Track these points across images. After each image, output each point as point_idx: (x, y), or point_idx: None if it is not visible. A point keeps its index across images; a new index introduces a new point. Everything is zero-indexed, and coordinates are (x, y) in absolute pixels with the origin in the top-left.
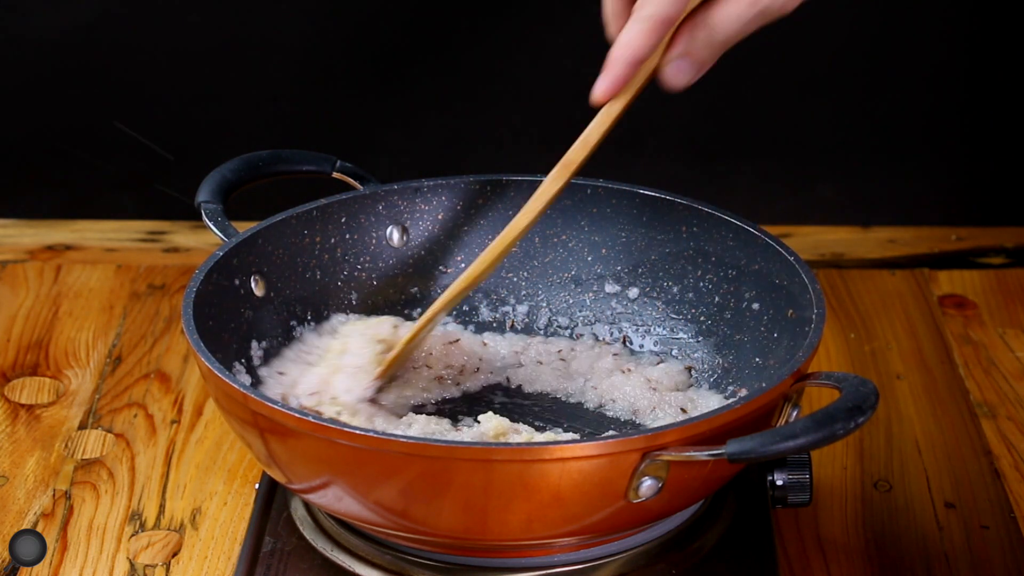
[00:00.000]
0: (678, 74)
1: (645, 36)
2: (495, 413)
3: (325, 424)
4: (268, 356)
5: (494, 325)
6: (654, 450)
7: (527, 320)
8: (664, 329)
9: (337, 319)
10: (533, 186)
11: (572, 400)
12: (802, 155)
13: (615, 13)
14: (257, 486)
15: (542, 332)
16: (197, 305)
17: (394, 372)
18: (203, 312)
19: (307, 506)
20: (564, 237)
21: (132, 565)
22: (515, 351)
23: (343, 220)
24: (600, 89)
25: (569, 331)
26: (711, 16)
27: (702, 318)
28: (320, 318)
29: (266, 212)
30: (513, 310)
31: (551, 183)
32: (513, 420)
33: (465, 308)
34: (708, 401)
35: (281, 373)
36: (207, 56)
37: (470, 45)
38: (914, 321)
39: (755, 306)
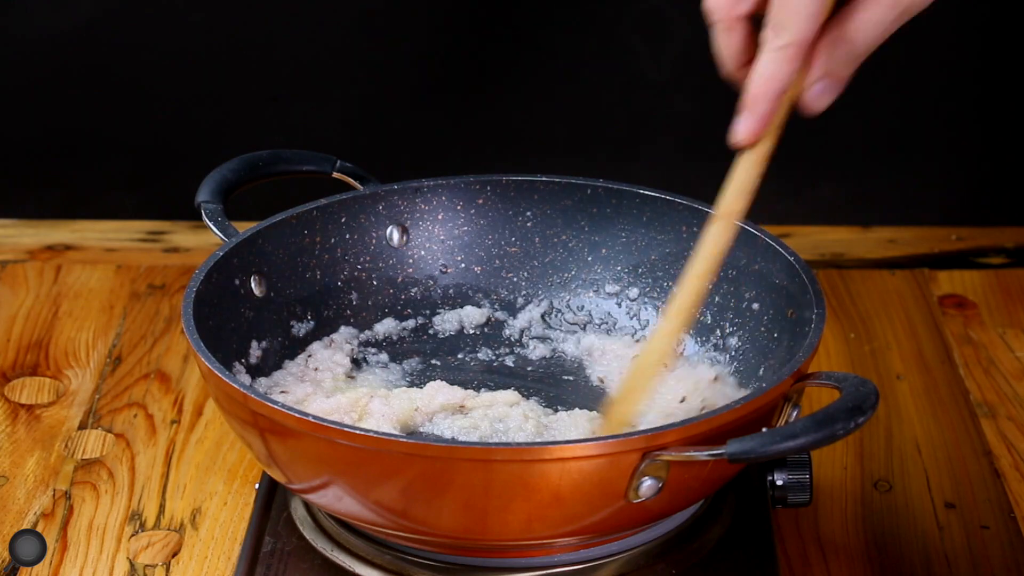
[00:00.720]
0: (821, 97)
1: (786, 65)
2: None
3: (325, 424)
4: (267, 359)
5: (494, 325)
6: (654, 450)
7: (527, 320)
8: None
9: (346, 332)
10: (533, 186)
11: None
12: (802, 155)
13: (730, 48)
14: (257, 486)
15: (542, 332)
16: (197, 305)
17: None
18: (203, 312)
19: (307, 506)
20: (564, 237)
21: (132, 565)
22: (515, 350)
23: (343, 220)
24: (747, 130)
25: (569, 331)
26: (849, 28)
27: (702, 318)
28: (320, 319)
29: (266, 212)
30: (513, 310)
31: (715, 239)
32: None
33: (464, 307)
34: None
35: (284, 392)
36: (207, 56)
37: (470, 45)
38: (914, 321)
39: (755, 306)
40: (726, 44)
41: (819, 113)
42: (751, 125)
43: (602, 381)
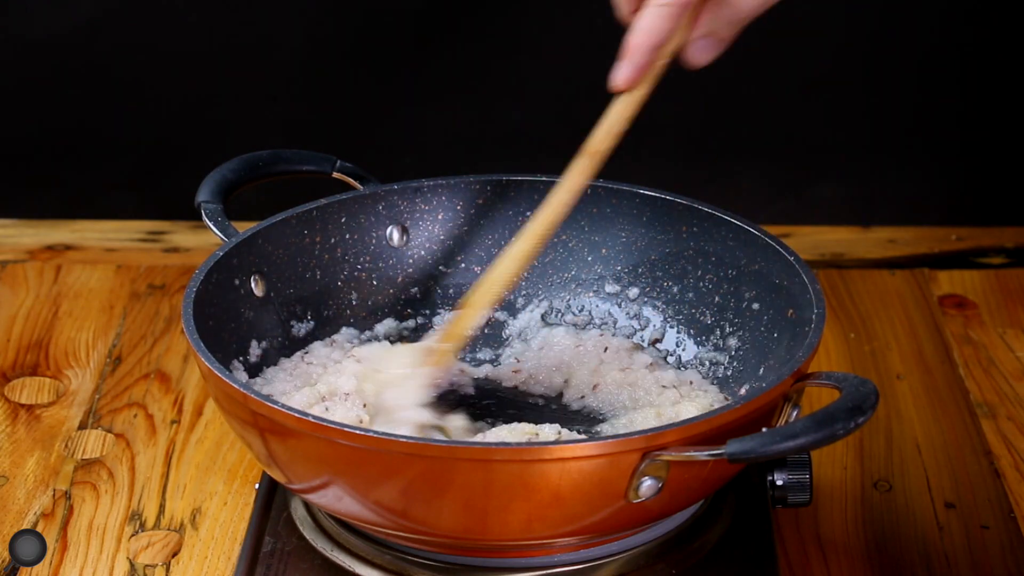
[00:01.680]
0: (702, 53)
1: (666, 21)
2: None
3: (325, 424)
4: (267, 359)
5: (494, 325)
6: (654, 450)
7: (527, 320)
8: (664, 329)
9: (347, 332)
10: (534, 186)
11: (571, 397)
12: (802, 155)
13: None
14: (257, 486)
15: (542, 332)
16: (197, 305)
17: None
18: (203, 312)
19: (307, 506)
20: (564, 237)
21: (132, 565)
22: (515, 351)
23: (343, 220)
24: (622, 77)
25: (569, 331)
26: None
27: (702, 318)
28: (320, 319)
29: (266, 212)
30: (513, 310)
31: (578, 174)
32: (511, 419)
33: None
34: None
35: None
36: (207, 56)
37: (470, 45)
38: (914, 321)
39: (755, 306)
40: None
41: (699, 68)
42: (627, 72)
43: (596, 388)
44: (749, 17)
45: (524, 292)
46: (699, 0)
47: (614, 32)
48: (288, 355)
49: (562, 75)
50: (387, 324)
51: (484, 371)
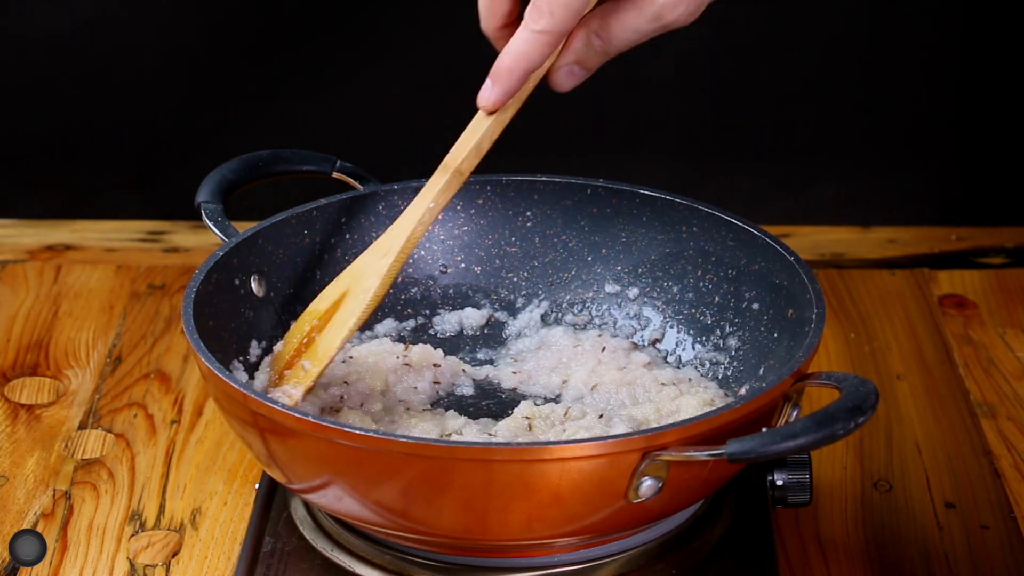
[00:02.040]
0: (568, 79)
1: (539, 48)
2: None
3: (325, 424)
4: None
5: (494, 325)
6: (654, 450)
7: (527, 320)
8: (664, 329)
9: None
10: (533, 186)
11: (570, 397)
12: (802, 155)
13: (491, 11)
14: (257, 486)
15: (541, 332)
16: (197, 305)
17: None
18: (203, 312)
19: (307, 506)
20: (564, 237)
21: (132, 565)
22: (515, 351)
23: (343, 220)
24: (491, 99)
25: (569, 331)
26: (609, 27)
27: (702, 318)
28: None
29: (266, 212)
30: (513, 310)
31: (444, 192)
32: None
33: (465, 308)
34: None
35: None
36: (207, 56)
37: (470, 45)
38: (914, 321)
39: (755, 306)
40: (487, 6)
41: (564, 91)
42: (495, 95)
43: (595, 389)
44: (620, 50)
45: (524, 292)
46: (573, 29)
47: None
48: None
49: None
50: (387, 324)
51: (484, 372)
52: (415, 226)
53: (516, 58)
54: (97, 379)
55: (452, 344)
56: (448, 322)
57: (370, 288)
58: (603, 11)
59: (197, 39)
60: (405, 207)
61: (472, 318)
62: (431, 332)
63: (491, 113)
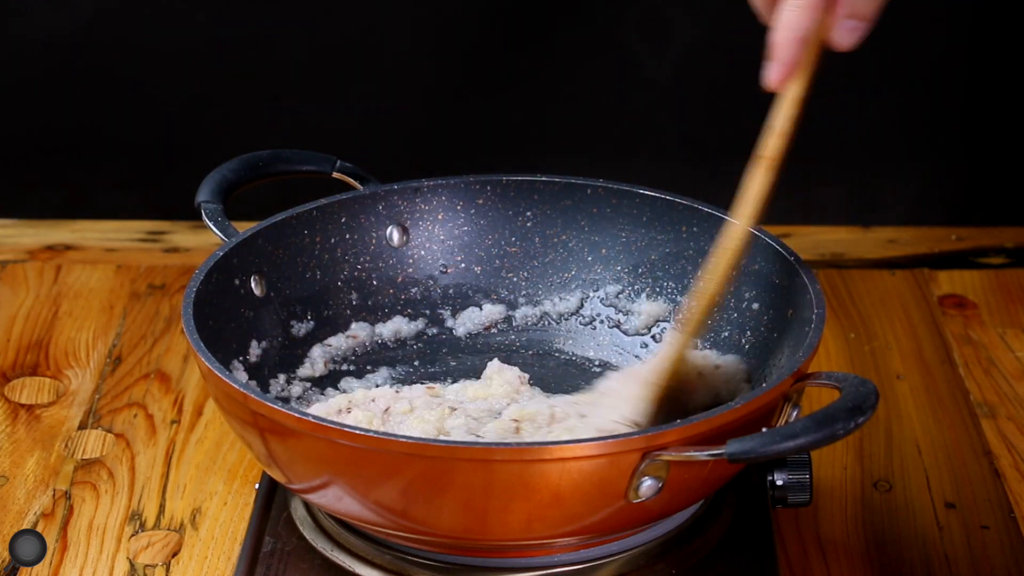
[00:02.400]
0: (849, 34)
1: (805, 14)
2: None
3: (325, 424)
4: (266, 359)
5: (495, 325)
6: (654, 450)
7: (527, 320)
8: (664, 329)
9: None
10: (533, 186)
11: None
12: (802, 155)
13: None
14: (257, 486)
15: (542, 332)
16: (197, 305)
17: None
18: (203, 312)
19: (307, 506)
20: (564, 237)
21: (132, 565)
22: (514, 351)
23: (343, 220)
24: (773, 76)
25: (569, 331)
26: None
27: None
28: (320, 319)
29: (266, 212)
30: (513, 310)
31: (760, 179)
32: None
33: (465, 308)
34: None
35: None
36: (207, 56)
37: (471, 45)
38: (914, 321)
39: (755, 306)
40: None
41: (850, 49)
42: (777, 71)
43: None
44: None
45: (524, 292)
46: None
47: (614, 32)
48: (291, 355)
49: (563, 75)
50: (395, 322)
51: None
52: (737, 220)
53: (785, 30)
54: (97, 379)
55: (452, 344)
56: (448, 322)
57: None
58: None
59: (197, 39)
60: (405, 207)
61: (472, 317)
62: (431, 332)
63: (778, 90)
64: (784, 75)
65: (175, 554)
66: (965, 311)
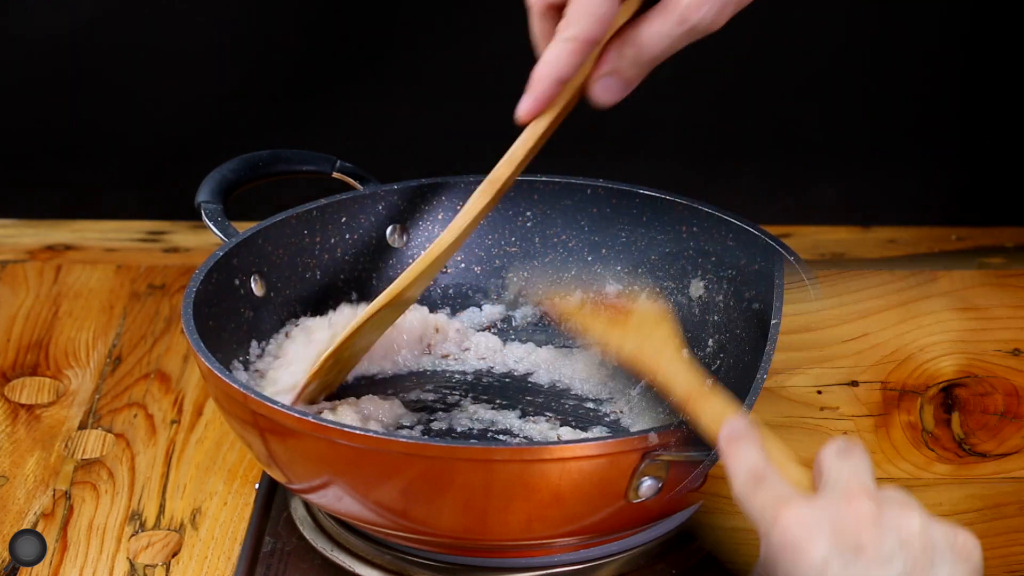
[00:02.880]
0: (606, 91)
1: (568, 56)
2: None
3: (325, 424)
4: (267, 359)
5: (495, 325)
6: (654, 450)
7: (527, 320)
8: None
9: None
10: (533, 186)
11: (571, 397)
12: (802, 155)
13: (542, 33)
14: (257, 486)
15: (542, 332)
16: (197, 305)
17: (328, 381)
18: (203, 312)
19: (307, 506)
20: (564, 237)
21: (132, 565)
22: (515, 351)
23: (343, 220)
24: (524, 108)
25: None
26: (639, 34)
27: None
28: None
29: (266, 212)
30: (513, 310)
31: (478, 200)
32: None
33: (465, 308)
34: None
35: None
36: (207, 56)
37: (471, 45)
38: None
39: (755, 306)
40: (538, 29)
41: (606, 107)
42: (529, 104)
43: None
44: (655, 59)
45: (524, 292)
46: (605, 38)
47: None
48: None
49: None
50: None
51: (483, 371)
52: (446, 234)
53: (546, 65)
54: (97, 379)
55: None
56: (447, 321)
57: (389, 289)
58: (635, 20)
59: (197, 39)
60: (405, 207)
61: (472, 317)
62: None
63: (526, 123)
64: (534, 110)
65: (175, 554)
66: None
